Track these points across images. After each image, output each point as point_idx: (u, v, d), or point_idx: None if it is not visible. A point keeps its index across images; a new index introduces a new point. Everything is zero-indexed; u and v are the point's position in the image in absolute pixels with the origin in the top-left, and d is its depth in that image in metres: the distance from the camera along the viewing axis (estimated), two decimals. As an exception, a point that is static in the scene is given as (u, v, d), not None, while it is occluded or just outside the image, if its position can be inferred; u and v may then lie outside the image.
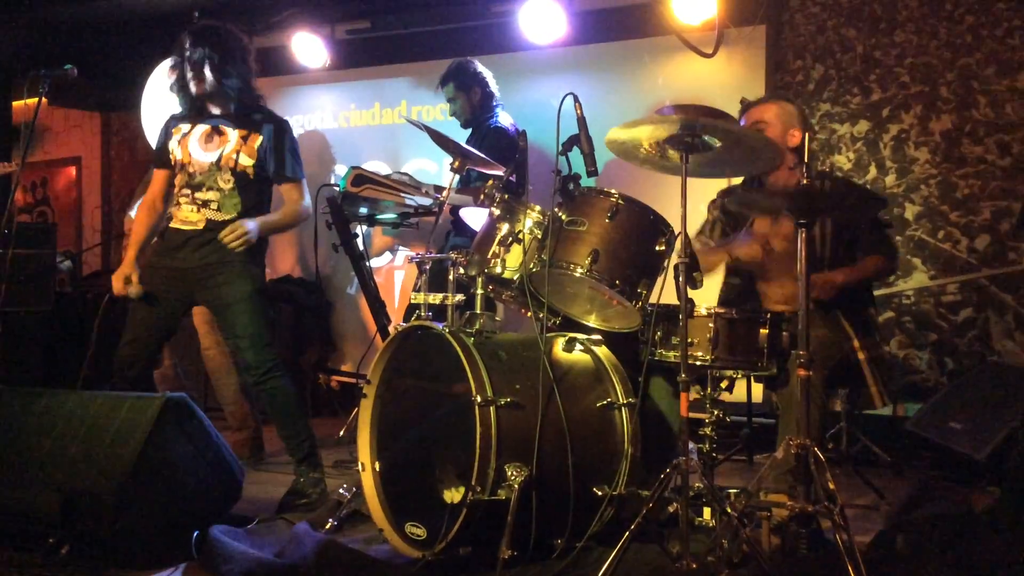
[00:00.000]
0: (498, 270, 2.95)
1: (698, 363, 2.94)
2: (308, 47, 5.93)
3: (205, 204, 3.50)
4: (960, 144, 4.87)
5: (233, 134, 3.54)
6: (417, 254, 3.15)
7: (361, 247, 4.90)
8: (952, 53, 4.91)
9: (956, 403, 4.16)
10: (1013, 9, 4.78)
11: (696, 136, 2.63)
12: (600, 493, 2.78)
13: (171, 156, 3.59)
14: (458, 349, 2.71)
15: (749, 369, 3.00)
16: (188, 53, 3.48)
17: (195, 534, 2.85)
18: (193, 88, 3.50)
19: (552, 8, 5.18)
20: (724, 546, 2.53)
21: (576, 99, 2.93)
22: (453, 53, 5.19)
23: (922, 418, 4.22)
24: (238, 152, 3.52)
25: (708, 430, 2.99)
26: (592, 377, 2.95)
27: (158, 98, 5.79)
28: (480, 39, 5.78)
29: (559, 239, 2.86)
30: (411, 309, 3.86)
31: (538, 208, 2.97)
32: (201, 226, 3.50)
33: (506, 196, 2.99)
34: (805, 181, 2.77)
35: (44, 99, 3.78)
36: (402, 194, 4.67)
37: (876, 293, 3.70)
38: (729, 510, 2.56)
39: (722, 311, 2.94)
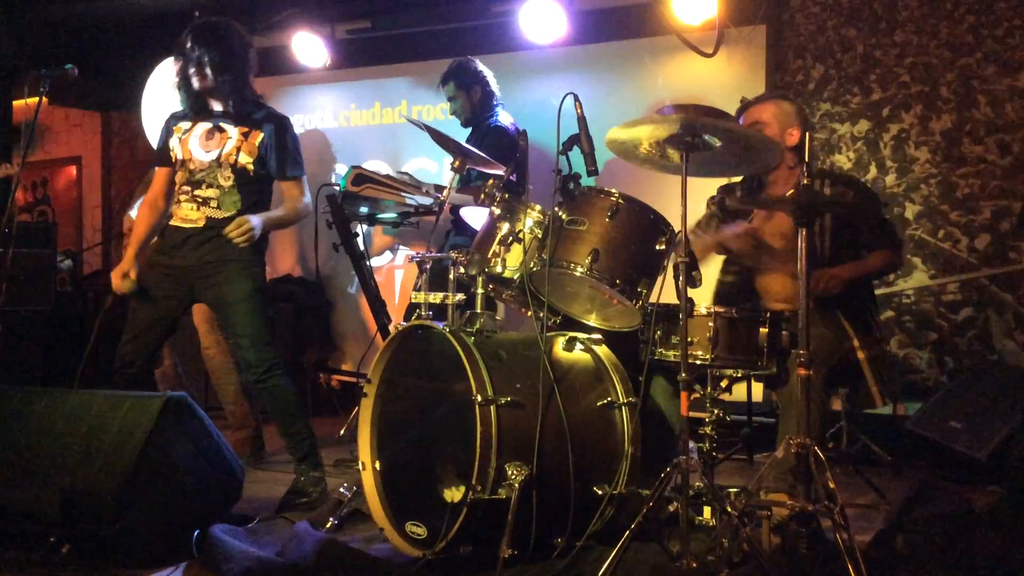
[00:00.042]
0: (498, 269, 2.96)
1: (698, 362, 2.94)
2: (308, 47, 5.93)
3: (205, 202, 3.50)
4: (960, 144, 4.87)
5: (234, 131, 3.54)
6: (417, 253, 3.15)
7: (361, 246, 4.91)
8: (952, 53, 4.91)
9: (956, 402, 4.16)
10: (1013, 8, 4.78)
11: (696, 136, 2.63)
12: (600, 492, 2.78)
13: (172, 154, 3.60)
14: (458, 348, 2.72)
15: (749, 368, 3.01)
16: (190, 48, 3.48)
17: (196, 533, 2.85)
18: (196, 83, 3.51)
19: (552, 8, 5.18)
20: (724, 545, 2.53)
21: (576, 99, 2.93)
22: (453, 53, 5.19)
23: (922, 417, 4.22)
24: (238, 149, 3.52)
25: (708, 429, 3.00)
26: (592, 376, 2.95)
27: (158, 97, 5.80)
28: (480, 39, 5.78)
29: (559, 238, 2.86)
30: (411, 308, 3.86)
31: (538, 207, 2.97)
32: (201, 224, 3.51)
33: (506, 195, 2.99)
34: (806, 180, 2.77)
35: (44, 98, 3.78)
36: (402, 193, 4.67)
37: (876, 293, 3.69)
38: (729, 509, 2.56)
39: (722, 310, 2.94)
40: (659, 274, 2.88)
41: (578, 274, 2.82)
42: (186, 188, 3.54)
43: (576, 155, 2.91)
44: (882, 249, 3.40)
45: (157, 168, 3.70)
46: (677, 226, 2.72)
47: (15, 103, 6.82)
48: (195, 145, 3.54)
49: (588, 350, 3.01)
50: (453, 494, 2.71)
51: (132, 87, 6.14)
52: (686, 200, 2.62)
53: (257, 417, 4.49)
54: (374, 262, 5.79)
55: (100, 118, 7.93)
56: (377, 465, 2.98)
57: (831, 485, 2.55)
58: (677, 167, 2.67)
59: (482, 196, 3.02)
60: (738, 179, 3.72)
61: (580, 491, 2.75)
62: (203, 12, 4.95)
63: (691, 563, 2.44)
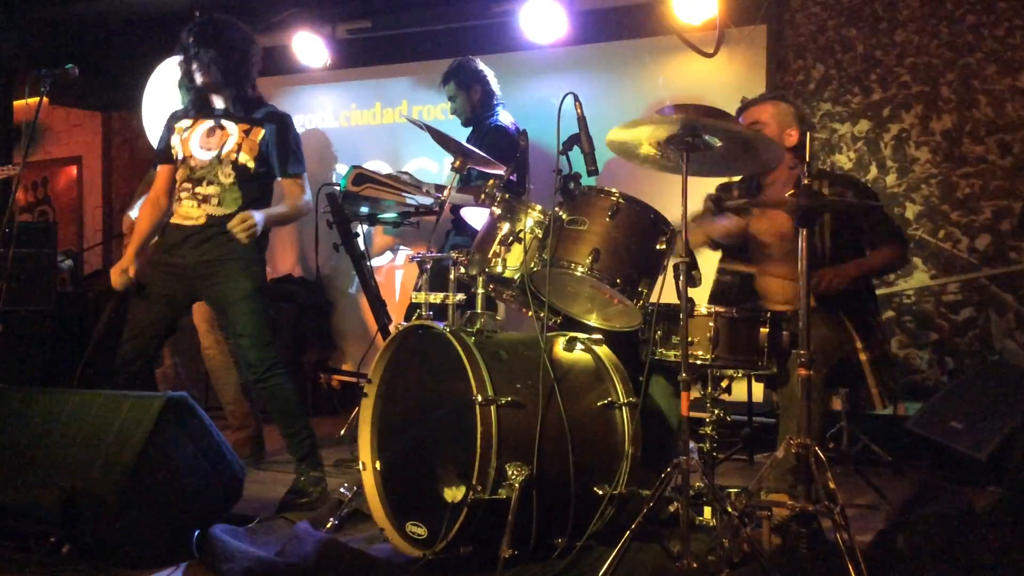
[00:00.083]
0: (499, 269, 2.96)
1: (698, 362, 2.94)
2: (309, 47, 5.93)
3: (206, 199, 3.51)
4: (961, 144, 4.87)
5: (234, 129, 3.55)
6: (418, 253, 3.15)
7: (362, 246, 4.91)
8: (953, 52, 4.91)
9: (957, 403, 4.16)
10: (1014, 8, 4.78)
11: (696, 136, 2.63)
12: (601, 492, 2.77)
13: (173, 152, 3.60)
14: (459, 348, 2.71)
15: (749, 368, 3.00)
16: (193, 43, 3.49)
17: (196, 533, 2.85)
18: (199, 79, 3.51)
19: (553, 8, 5.18)
20: (725, 545, 2.53)
21: (576, 99, 2.93)
22: (453, 53, 5.19)
23: (923, 417, 4.22)
24: (239, 147, 3.52)
25: (709, 429, 2.99)
26: (593, 376, 2.95)
27: (159, 97, 5.79)
28: (481, 39, 5.78)
29: (560, 238, 2.86)
30: (412, 308, 3.86)
31: (539, 207, 2.97)
32: (202, 222, 3.51)
33: (507, 195, 2.99)
34: (806, 180, 2.77)
35: (45, 98, 3.79)
36: (403, 193, 4.67)
37: (877, 293, 3.69)
38: (730, 509, 2.56)
39: (722, 310, 2.94)
40: (660, 274, 2.88)
41: (579, 274, 2.82)
42: (187, 186, 3.54)
43: (576, 155, 2.91)
44: (887, 245, 3.39)
45: (159, 166, 3.71)
46: (677, 226, 2.72)
47: (15, 103, 6.83)
48: (196, 143, 3.55)
49: (588, 350, 3.01)
50: (453, 494, 2.71)
51: (132, 87, 6.13)
52: (686, 200, 2.62)
53: (257, 417, 4.48)
54: (374, 262, 5.79)
55: (100, 118, 7.93)
56: (377, 465, 2.98)
57: (831, 485, 2.55)
58: (677, 167, 2.67)
59: (482, 196, 3.02)
60: (737, 179, 3.71)
61: (580, 491, 2.75)
62: (203, 12, 4.95)
63: (691, 563, 2.44)
